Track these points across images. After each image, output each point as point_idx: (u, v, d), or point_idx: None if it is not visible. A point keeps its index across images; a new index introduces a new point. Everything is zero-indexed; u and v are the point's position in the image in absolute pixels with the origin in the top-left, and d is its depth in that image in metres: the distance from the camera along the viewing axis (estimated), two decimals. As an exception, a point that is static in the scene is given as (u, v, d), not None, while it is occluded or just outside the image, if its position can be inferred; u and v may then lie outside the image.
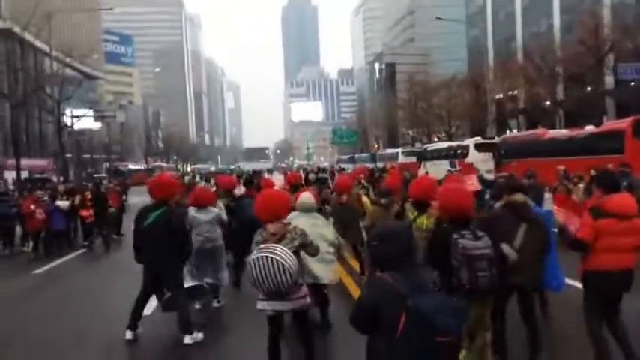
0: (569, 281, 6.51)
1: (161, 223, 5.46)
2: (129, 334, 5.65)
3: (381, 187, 8.85)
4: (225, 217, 7.20)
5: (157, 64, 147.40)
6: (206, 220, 6.61)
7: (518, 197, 4.44)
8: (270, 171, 44.92)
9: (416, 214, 5.28)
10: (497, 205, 4.57)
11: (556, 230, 4.96)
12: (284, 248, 3.90)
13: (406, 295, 2.46)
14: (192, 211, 6.77)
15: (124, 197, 16.55)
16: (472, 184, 9.57)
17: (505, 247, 4.06)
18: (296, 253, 4.07)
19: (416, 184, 5.50)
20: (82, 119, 41.83)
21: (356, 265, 8.31)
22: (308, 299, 4.24)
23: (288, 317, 4.55)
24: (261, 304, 4.11)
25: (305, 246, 4.25)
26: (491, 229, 3.92)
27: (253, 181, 11.14)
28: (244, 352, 5.27)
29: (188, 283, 6.03)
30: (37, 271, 10.37)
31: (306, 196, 5.55)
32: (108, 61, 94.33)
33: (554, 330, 5.54)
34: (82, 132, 46.26)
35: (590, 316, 4.32)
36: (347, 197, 8.07)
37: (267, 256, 3.79)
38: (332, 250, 5.42)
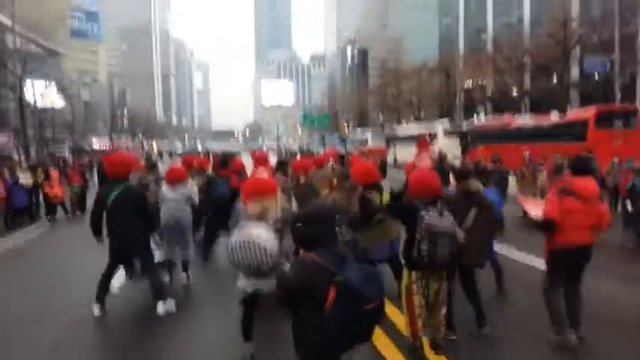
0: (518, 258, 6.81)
1: (124, 199, 5.52)
2: (96, 309, 5.61)
3: (344, 172, 8.98)
4: (195, 197, 7.15)
5: (124, 42, 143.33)
6: (173, 198, 6.60)
7: (472, 183, 4.78)
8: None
9: (378, 195, 5.59)
10: (450, 189, 4.89)
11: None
12: (265, 230, 3.90)
13: (334, 271, 2.59)
14: (163, 188, 6.82)
15: (87, 176, 16.17)
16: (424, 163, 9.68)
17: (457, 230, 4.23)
18: (278, 231, 4.08)
19: (357, 172, 5.82)
20: (44, 96, 40.43)
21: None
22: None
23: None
24: (241, 283, 4.11)
25: (285, 222, 4.20)
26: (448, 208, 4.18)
27: (228, 162, 11.05)
28: (212, 327, 5.28)
29: (157, 257, 5.99)
30: (-3, 248, 10.07)
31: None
32: (73, 37, 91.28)
33: (509, 303, 5.81)
34: (44, 109, 44.70)
35: (551, 287, 4.61)
36: (304, 178, 8.04)
37: (247, 241, 3.81)
38: None
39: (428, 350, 4.30)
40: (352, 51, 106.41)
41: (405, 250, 4.24)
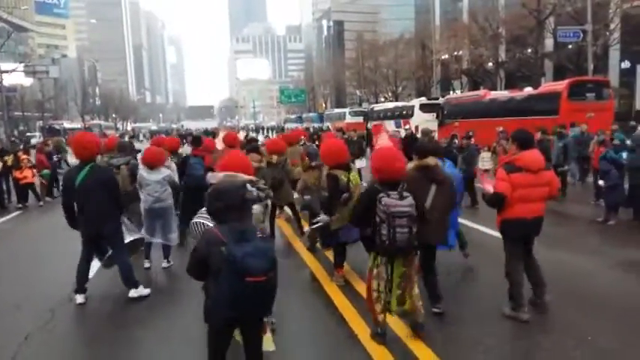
0: (486, 230, 6.95)
1: (92, 180, 5.37)
2: (80, 298, 5.58)
3: (309, 150, 8.96)
4: (176, 177, 7.05)
5: (92, 16, 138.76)
6: (156, 180, 6.45)
7: (430, 160, 4.75)
8: (212, 133, 42.95)
9: (347, 174, 5.55)
10: (410, 165, 4.84)
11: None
12: None
13: (226, 243, 2.86)
14: (141, 171, 6.61)
15: (55, 158, 15.70)
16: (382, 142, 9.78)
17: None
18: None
19: (324, 151, 5.72)
20: (12, 74, 39.14)
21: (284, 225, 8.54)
22: None
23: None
24: None
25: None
26: (407, 190, 4.13)
27: (201, 140, 10.89)
28: (190, 311, 5.27)
29: (127, 239, 5.90)
30: (-32, 235, 9.84)
31: None
32: (39, 11, 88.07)
33: (474, 274, 6.00)
34: (12, 88, 43.36)
35: (511, 259, 4.79)
36: (277, 158, 7.98)
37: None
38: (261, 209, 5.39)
39: (407, 335, 4.37)
40: (328, 22, 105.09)
41: (365, 234, 4.25)
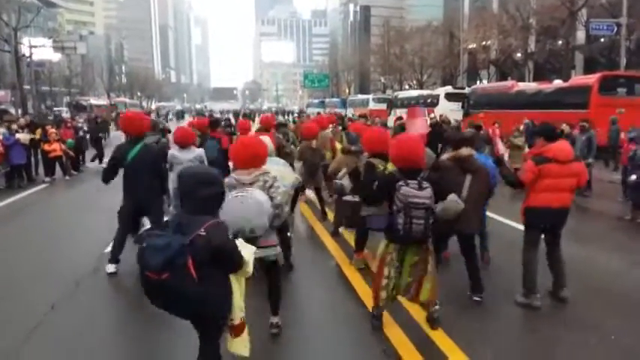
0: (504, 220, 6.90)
1: (142, 157, 5.66)
2: (111, 268, 5.75)
3: (350, 134, 8.90)
4: (205, 157, 7.12)
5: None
6: (188, 159, 6.50)
7: (464, 151, 4.78)
8: (250, 115, 42.92)
9: (384, 164, 5.40)
10: (445, 157, 4.90)
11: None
12: (261, 192, 3.74)
13: (159, 232, 2.70)
14: (173, 150, 6.69)
15: (81, 133, 16.14)
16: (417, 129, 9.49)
17: (453, 197, 4.15)
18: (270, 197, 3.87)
19: (367, 138, 5.59)
20: (40, 49, 39.67)
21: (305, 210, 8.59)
22: (279, 248, 4.11)
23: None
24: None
25: (271, 188, 3.93)
26: (442, 180, 4.20)
27: (220, 122, 10.99)
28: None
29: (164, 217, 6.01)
30: (-3, 205, 10.10)
31: (266, 140, 5.43)
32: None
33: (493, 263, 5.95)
34: (40, 63, 43.98)
35: (528, 247, 4.86)
36: (316, 142, 8.05)
37: (244, 195, 3.61)
38: (289, 193, 5.38)
39: (425, 324, 4.36)
40: (354, 7, 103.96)
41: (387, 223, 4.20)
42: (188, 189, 2.77)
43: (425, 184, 3.92)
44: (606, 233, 7.99)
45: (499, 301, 4.93)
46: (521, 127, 14.04)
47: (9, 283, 5.64)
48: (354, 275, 5.65)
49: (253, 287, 4.37)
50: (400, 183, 3.90)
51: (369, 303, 4.71)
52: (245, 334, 3.13)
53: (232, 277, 2.92)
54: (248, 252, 2.95)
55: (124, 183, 5.77)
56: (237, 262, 2.84)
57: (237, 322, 3.03)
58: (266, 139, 5.41)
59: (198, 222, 2.65)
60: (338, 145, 8.89)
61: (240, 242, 2.97)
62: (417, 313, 4.51)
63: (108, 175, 5.79)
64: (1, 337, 4.29)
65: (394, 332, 4.23)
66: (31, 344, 4.20)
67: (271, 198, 3.80)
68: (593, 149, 10.91)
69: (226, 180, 3.86)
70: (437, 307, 4.31)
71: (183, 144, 6.62)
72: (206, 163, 6.98)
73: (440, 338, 4.15)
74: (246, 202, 3.58)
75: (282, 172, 5.11)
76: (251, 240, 3.76)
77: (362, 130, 7.68)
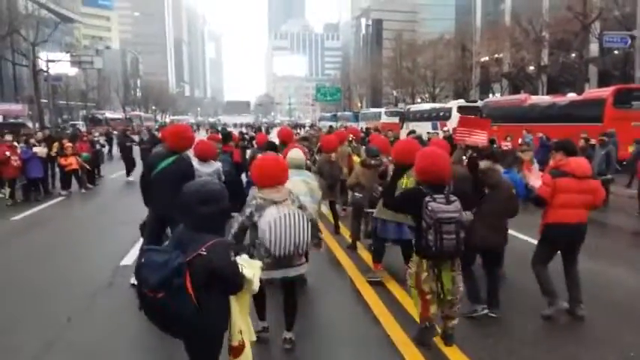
0: (518, 235, 6.90)
1: (172, 170, 5.45)
2: (134, 279, 5.73)
3: (370, 148, 8.91)
4: (222, 172, 7.19)
5: (136, 9, 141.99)
6: (208, 173, 6.56)
7: (483, 164, 4.75)
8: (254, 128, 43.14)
9: (407, 178, 5.34)
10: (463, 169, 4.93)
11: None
12: (296, 208, 3.79)
13: (160, 249, 2.64)
14: (194, 163, 6.74)
15: (97, 147, 16.44)
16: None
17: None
18: None
19: (399, 146, 5.49)
20: (57, 64, 40.43)
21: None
22: (306, 265, 4.15)
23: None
24: (267, 274, 3.65)
25: (301, 206, 4.00)
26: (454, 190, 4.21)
27: (231, 136, 11.06)
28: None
29: None
30: (15, 218, 10.25)
31: (297, 152, 5.46)
32: (85, 3, 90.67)
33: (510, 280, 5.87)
34: (57, 77, 44.77)
35: (538, 260, 4.89)
36: (335, 155, 8.09)
37: (291, 213, 3.62)
38: (316, 207, 5.42)
39: (439, 341, 4.32)
40: (367, 21, 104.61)
41: (415, 237, 4.20)
42: (188, 205, 2.63)
43: (452, 197, 3.91)
44: (623, 249, 7.89)
45: (514, 317, 4.88)
46: (528, 140, 14.03)
47: (26, 296, 5.72)
48: (368, 292, 5.62)
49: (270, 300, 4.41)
50: (427, 199, 3.85)
51: (384, 321, 4.70)
52: (245, 356, 2.95)
53: (232, 297, 2.79)
54: (253, 269, 2.84)
55: (152, 193, 5.60)
56: (237, 284, 2.70)
57: (235, 343, 2.87)
58: (298, 152, 5.45)
59: (200, 240, 2.55)
60: (356, 159, 8.90)
61: (244, 259, 2.87)
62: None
63: (142, 187, 5.70)
64: (21, 349, 4.34)
65: (408, 350, 4.21)
66: (51, 356, 4.25)
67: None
68: (613, 164, 10.73)
69: (253, 202, 3.87)
70: (455, 321, 4.26)
71: (204, 157, 6.68)
72: (222, 175, 7.06)
73: (454, 354, 4.12)
74: (293, 219, 3.64)
75: (311, 186, 5.17)
76: (285, 260, 3.79)
77: (383, 143, 7.52)
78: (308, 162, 8.02)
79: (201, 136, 17.41)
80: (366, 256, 6.83)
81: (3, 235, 8.90)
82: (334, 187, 7.98)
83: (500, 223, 4.79)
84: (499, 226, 4.78)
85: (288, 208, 3.72)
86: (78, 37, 74.89)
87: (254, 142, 9.48)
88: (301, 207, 3.95)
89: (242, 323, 2.89)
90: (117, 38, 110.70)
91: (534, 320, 4.79)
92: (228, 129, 25.75)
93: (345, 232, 8.08)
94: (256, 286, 2.85)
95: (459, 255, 4.08)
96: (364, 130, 23.27)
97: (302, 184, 4.86)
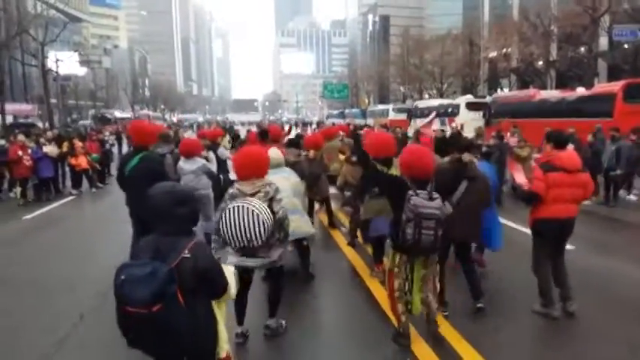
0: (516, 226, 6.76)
1: (141, 167, 5.42)
2: None
3: (351, 144, 8.93)
4: (213, 167, 7.22)
5: (143, 8, 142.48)
6: (190, 170, 6.64)
7: (465, 156, 4.74)
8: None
9: (385, 168, 5.28)
10: (446, 160, 4.88)
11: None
12: (259, 202, 3.77)
13: (133, 259, 2.50)
14: (180, 161, 6.82)
15: (107, 146, 16.61)
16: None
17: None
18: (269, 208, 3.86)
19: (372, 142, 5.54)
20: (66, 63, 40.72)
21: (324, 219, 8.67)
22: (279, 259, 4.12)
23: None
24: (230, 259, 3.95)
25: (272, 200, 3.96)
26: (435, 181, 4.18)
27: (239, 136, 11.06)
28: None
29: None
30: (26, 217, 10.38)
31: (275, 151, 5.46)
32: (93, 2, 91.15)
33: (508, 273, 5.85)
34: (66, 77, 45.10)
35: (538, 258, 4.84)
36: (314, 153, 7.99)
37: (242, 206, 3.64)
38: (297, 202, 5.38)
39: (454, 336, 4.32)
40: (374, 17, 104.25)
41: (391, 230, 4.16)
42: (163, 209, 2.50)
43: (435, 194, 3.92)
44: (631, 244, 7.83)
45: (520, 312, 4.89)
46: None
47: (38, 294, 5.80)
48: (375, 286, 5.63)
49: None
50: (410, 193, 3.87)
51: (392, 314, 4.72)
52: None
53: (214, 305, 2.68)
54: (229, 275, 2.74)
55: (127, 194, 5.60)
56: (223, 284, 2.63)
57: (223, 355, 2.76)
58: (277, 151, 5.50)
59: (179, 244, 2.45)
60: (341, 157, 8.92)
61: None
62: (444, 327, 4.50)
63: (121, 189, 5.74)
64: (34, 346, 4.42)
65: (419, 346, 4.22)
66: (62, 354, 4.32)
67: (273, 212, 3.83)
68: (622, 159, 10.60)
69: (229, 190, 4.00)
70: (434, 311, 4.25)
71: (187, 154, 6.72)
72: (213, 169, 7.11)
73: (463, 348, 4.13)
74: (243, 212, 3.62)
75: (291, 182, 5.20)
76: (248, 250, 3.82)
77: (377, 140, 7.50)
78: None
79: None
80: (370, 249, 6.84)
81: (15, 234, 9.02)
82: (314, 184, 7.78)
83: (477, 214, 4.77)
84: (476, 217, 4.76)
85: (249, 202, 3.69)
86: (86, 36, 75.23)
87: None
88: (272, 203, 3.90)
89: (225, 334, 2.81)
90: (125, 37, 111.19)
91: (540, 316, 4.77)
92: (236, 127, 25.83)
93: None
94: (234, 291, 2.79)
95: (435, 253, 4.10)
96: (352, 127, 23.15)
97: (282, 181, 4.87)
